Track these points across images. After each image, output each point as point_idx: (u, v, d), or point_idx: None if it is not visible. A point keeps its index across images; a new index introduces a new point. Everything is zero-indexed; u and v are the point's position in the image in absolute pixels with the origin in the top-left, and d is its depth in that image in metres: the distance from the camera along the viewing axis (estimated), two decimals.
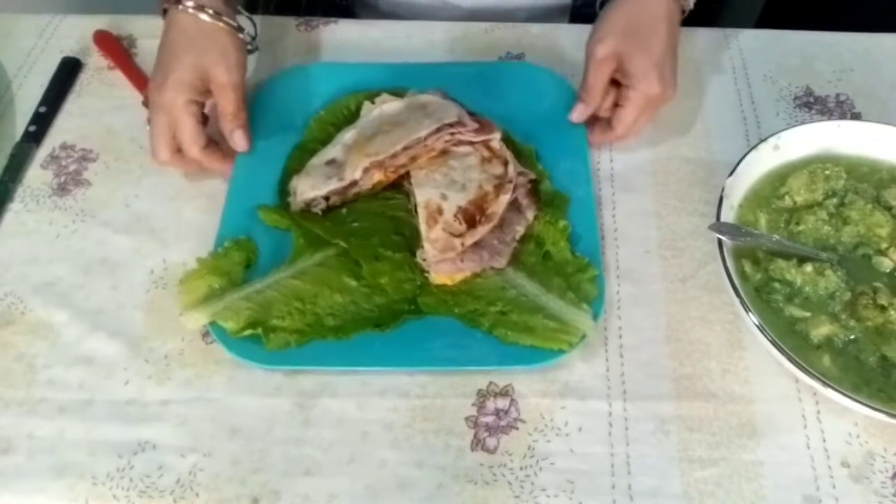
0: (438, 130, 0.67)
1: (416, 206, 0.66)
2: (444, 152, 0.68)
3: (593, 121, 0.75)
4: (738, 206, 0.66)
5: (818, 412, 0.59)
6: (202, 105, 0.71)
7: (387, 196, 0.71)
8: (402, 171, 0.68)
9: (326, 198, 0.69)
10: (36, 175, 0.74)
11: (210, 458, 0.57)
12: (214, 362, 0.62)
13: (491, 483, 0.56)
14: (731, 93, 0.81)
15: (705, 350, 0.62)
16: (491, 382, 0.61)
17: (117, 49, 0.84)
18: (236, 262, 0.65)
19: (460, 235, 0.63)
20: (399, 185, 0.70)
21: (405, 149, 0.67)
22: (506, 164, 0.68)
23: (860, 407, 0.53)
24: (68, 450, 0.58)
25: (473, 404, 0.60)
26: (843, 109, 0.79)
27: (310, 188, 0.68)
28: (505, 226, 0.66)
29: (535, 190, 0.69)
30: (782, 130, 0.68)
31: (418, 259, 0.65)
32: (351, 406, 0.60)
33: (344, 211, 0.70)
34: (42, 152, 0.76)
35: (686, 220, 0.70)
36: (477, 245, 0.64)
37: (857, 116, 0.79)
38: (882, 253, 0.62)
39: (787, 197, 0.66)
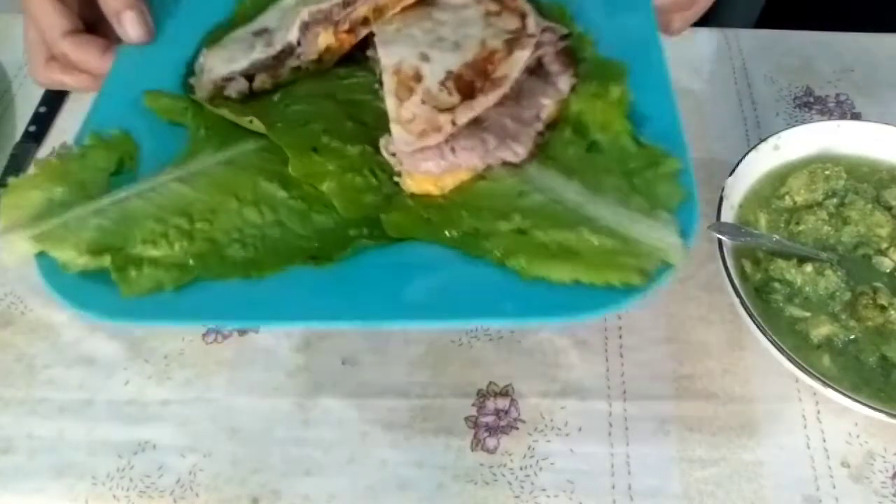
0: None
1: (381, 79, 0.45)
2: (427, 2, 0.48)
3: None
4: (738, 206, 0.66)
5: (818, 412, 0.59)
6: None
7: (341, 73, 0.49)
8: (364, 31, 0.48)
9: (249, 77, 0.48)
10: None
11: (210, 458, 0.57)
12: (214, 362, 0.62)
13: (491, 483, 0.56)
14: (731, 93, 0.81)
15: (705, 350, 0.62)
16: (491, 382, 0.60)
17: None
18: (99, 165, 0.45)
19: (450, 110, 0.42)
20: (361, 60, 0.50)
21: None
22: (523, 15, 0.47)
23: (860, 407, 0.53)
24: (68, 450, 0.58)
25: (473, 404, 0.60)
26: (843, 109, 0.79)
27: (223, 61, 0.48)
28: (524, 98, 0.45)
29: (569, 52, 0.48)
30: (782, 130, 0.68)
31: (383, 153, 0.44)
32: (351, 406, 0.59)
33: (276, 97, 0.48)
34: (42, 152, 0.76)
35: None
36: (478, 126, 0.43)
37: (857, 116, 0.79)
38: (882, 253, 0.62)
39: (787, 197, 0.66)
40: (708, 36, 0.86)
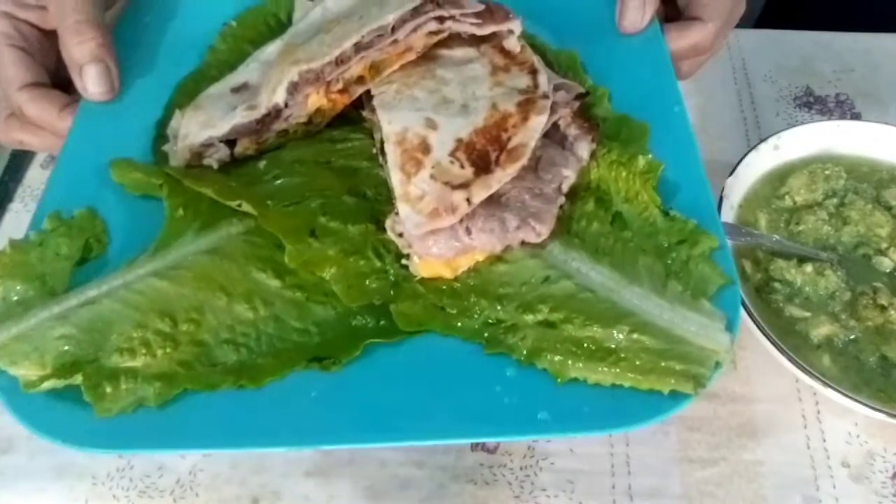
0: (416, 13, 0.40)
1: (382, 146, 0.40)
2: (428, 56, 0.42)
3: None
4: (738, 206, 0.66)
5: (818, 412, 0.59)
6: (34, 29, 0.48)
7: (334, 137, 0.44)
8: (359, 90, 0.42)
9: (230, 141, 0.42)
10: (36, 175, 0.74)
11: (210, 458, 0.57)
12: None
13: (491, 483, 0.56)
14: (731, 93, 0.81)
15: None
16: None
17: None
18: (60, 253, 0.38)
19: (464, 186, 0.37)
20: (355, 119, 0.45)
21: (359, 49, 0.40)
22: (534, 72, 0.42)
23: (860, 407, 0.53)
24: (68, 450, 0.58)
25: None
26: (843, 109, 0.79)
27: (201, 126, 0.41)
28: (542, 169, 0.40)
29: (584, 111, 0.43)
30: (782, 130, 0.68)
31: (389, 233, 0.39)
32: None
33: (261, 164, 0.42)
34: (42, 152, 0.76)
35: None
36: (495, 203, 0.38)
37: (857, 116, 0.79)
38: (882, 253, 0.62)
39: (787, 197, 0.66)
40: None
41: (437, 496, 0.55)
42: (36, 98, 0.45)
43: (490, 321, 0.36)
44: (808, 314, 0.59)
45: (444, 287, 0.37)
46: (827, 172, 0.66)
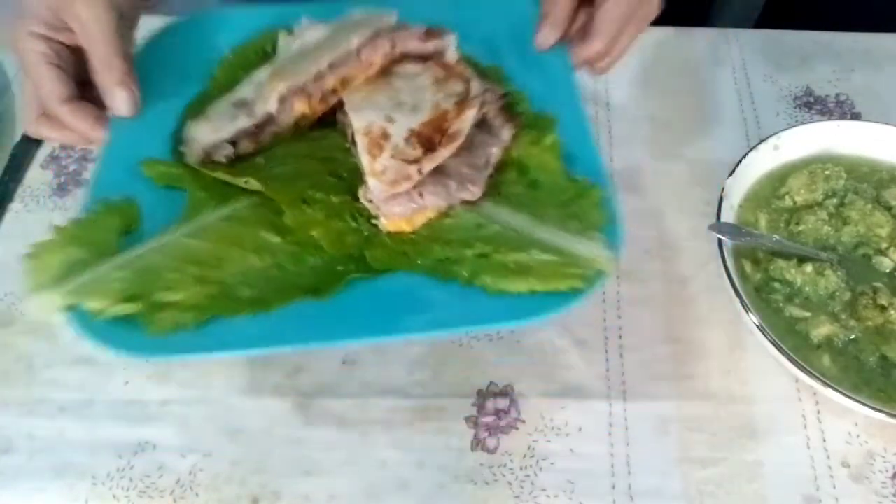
0: (374, 38, 0.55)
1: (353, 139, 0.52)
2: (386, 72, 0.55)
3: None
4: (738, 206, 0.66)
5: (818, 412, 0.59)
6: (65, 47, 0.56)
7: (315, 136, 0.56)
8: (333, 99, 0.55)
9: (233, 142, 0.55)
10: (36, 175, 0.74)
11: (210, 458, 0.57)
12: (214, 362, 0.62)
13: (491, 483, 0.56)
14: (731, 93, 0.81)
15: (705, 350, 0.62)
16: (491, 382, 0.60)
17: None
18: (109, 228, 0.50)
19: (416, 161, 0.50)
20: (331, 122, 0.57)
21: (332, 67, 0.54)
22: (467, 80, 0.55)
23: (860, 407, 0.53)
24: (68, 450, 0.58)
25: (473, 404, 0.60)
26: (843, 109, 0.79)
27: (210, 131, 0.55)
28: (475, 148, 0.53)
29: (507, 106, 0.57)
30: (782, 130, 0.68)
31: (362, 200, 0.52)
32: (351, 406, 0.60)
33: (259, 159, 0.55)
34: (42, 152, 0.76)
35: (686, 220, 0.70)
36: (440, 173, 0.51)
37: (857, 116, 0.79)
38: (882, 253, 0.62)
39: (786, 197, 0.66)
40: (708, 36, 0.86)
41: (437, 496, 0.56)
42: (74, 111, 0.55)
43: (440, 259, 0.50)
44: (808, 314, 0.59)
45: (405, 238, 0.51)
46: (827, 172, 0.66)
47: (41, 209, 0.72)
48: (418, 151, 0.50)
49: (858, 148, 0.69)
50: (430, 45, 0.55)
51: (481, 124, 0.54)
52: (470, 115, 0.52)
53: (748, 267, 0.62)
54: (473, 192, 0.52)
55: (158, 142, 0.57)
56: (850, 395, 0.53)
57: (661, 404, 0.59)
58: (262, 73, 0.58)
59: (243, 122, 0.54)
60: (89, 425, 0.59)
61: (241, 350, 0.50)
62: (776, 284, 0.61)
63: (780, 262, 0.61)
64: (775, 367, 0.59)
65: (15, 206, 0.72)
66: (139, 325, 0.46)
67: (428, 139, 0.51)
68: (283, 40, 0.60)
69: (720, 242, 0.60)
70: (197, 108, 0.58)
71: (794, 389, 0.60)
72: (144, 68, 0.59)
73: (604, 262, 0.48)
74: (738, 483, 0.56)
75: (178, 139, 0.57)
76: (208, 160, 0.54)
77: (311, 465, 0.57)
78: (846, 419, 0.58)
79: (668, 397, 0.60)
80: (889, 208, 0.65)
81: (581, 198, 0.51)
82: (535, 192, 0.52)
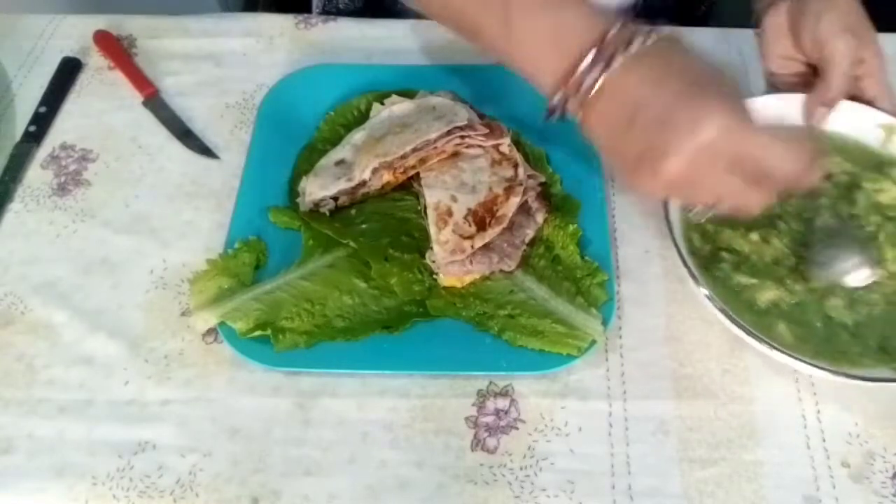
0: (449, 133, 0.68)
1: (425, 208, 0.66)
2: (454, 154, 0.69)
3: None
4: None
5: (818, 412, 0.59)
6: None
7: (396, 197, 0.71)
8: (412, 172, 0.68)
9: (335, 198, 0.69)
10: (36, 175, 0.74)
11: (210, 458, 0.57)
12: (214, 362, 0.62)
13: (491, 483, 0.56)
14: None
15: (705, 350, 0.62)
16: (491, 382, 0.61)
17: (117, 49, 0.83)
18: (246, 262, 0.65)
19: (470, 237, 0.63)
20: (408, 187, 0.71)
21: (415, 150, 0.67)
22: (516, 166, 0.68)
23: (804, 366, 0.55)
24: (68, 450, 0.58)
25: (473, 404, 0.60)
26: None
27: (319, 188, 0.69)
28: (514, 229, 0.66)
29: (545, 193, 0.69)
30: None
31: (427, 261, 0.65)
32: (351, 406, 0.60)
33: (353, 211, 0.70)
34: (42, 152, 0.76)
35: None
36: (486, 247, 0.64)
37: None
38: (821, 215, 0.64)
39: None
40: (708, 36, 0.86)
41: (437, 496, 0.56)
42: None
43: (480, 312, 0.63)
44: (754, 281, 0.60)
45: (456, 292, 0.65)
46: None
47: (41, 209, 0.72)
48: (472, 229, 0.64)
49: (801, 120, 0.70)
50: (491, 142, 0.69)
51: (522, 207, 0.67)
52: (515, 202, 0.66)
53: (696, 240, 0.64)
54: (510, 265, 0.65)
55: (277, 189, 0.72)
56: (789, 353, 0.55)
57: (660, 404, 0.59)
58: (357, 135, 0.72)
59: (344, 183, 0.68)
60: (89, 425, 0.59)
61: (336, 368, 0.61)
62: (724, 254, 0.62)
63: (728, 232, 0.63)
64: (775, 367, 0.59)
65: (15, 206, 0.72)
66: (269, 343, 0.61)
67: (481, 219, 0.65)
68: (375, 109, 0.75)
69: (667, 215, 0.61)
70: (306, 158, 0.74)
71: (795, 389, 0.60)
72: (266, 120, 0.76)
73: (598, 334, 0.60)
74: (737, 483, 0.56)
75: (291, 187, 0.72)
76: (315, 209, 0.69)
77: (311, 465, 0.57)
78: (846, 419, 0.58)
79: (668, 397, 0.60)
80: (829, 176, 0.67)
81: (589, 277, 0.64)
82: (555, 266, 0.66)
